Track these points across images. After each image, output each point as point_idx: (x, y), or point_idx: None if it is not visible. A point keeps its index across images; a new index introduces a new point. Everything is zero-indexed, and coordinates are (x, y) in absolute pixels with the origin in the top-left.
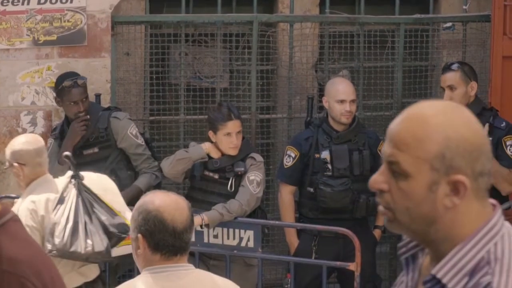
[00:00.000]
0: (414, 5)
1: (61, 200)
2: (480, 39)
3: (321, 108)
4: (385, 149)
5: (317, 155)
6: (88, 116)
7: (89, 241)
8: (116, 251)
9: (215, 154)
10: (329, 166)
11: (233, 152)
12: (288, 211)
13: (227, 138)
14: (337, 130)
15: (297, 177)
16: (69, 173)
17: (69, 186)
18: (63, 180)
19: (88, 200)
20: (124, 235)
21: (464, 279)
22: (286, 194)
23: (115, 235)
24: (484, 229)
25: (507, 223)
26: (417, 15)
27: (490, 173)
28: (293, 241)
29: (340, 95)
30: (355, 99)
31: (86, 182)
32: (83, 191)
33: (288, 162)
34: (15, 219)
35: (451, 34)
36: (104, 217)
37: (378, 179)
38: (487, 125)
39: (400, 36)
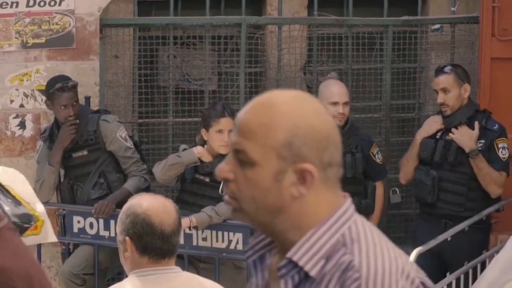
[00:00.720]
0: (402, 7)
1: None
2: (468, 41)
3: None
4: (232, 137)
5: None
6: (78, 121)
7: None
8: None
9: (207, 158)
10: None
11: (224, 150)
12: None
13: (219, 136)
14: None
15: None
16: None
17: None
18: None
19: None
20: (26, 225)
21: (320, 262)
22: None
23: (17, 225)
24: (336, 214)
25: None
26: (406, 17)
27: (340, 163)
28: None
29: (333, 97)
30: (348, 101)
31: None
32: None
33: None
34: (9, 227)
35: (439, 36)
36: (7, 208)
37: (223, 168)
38: (476, 125)
39: (388, 38)
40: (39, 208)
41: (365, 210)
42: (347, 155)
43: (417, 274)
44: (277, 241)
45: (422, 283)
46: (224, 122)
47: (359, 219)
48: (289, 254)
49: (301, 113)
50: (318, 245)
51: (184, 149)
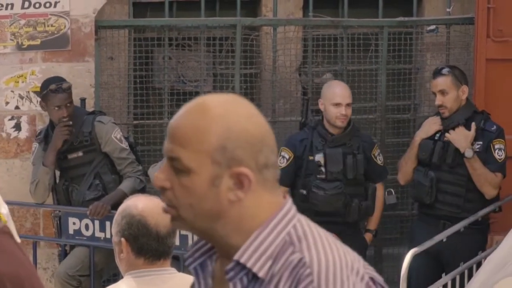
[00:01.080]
0: (398, 8)
1: None
2: (463, 42)
3: (312, 111)
4: (165, 144)
5: (311, 158)
6: (71, 122)
7: None
8: None
9: None
10: (323, 169)
11: None
12: None
13: None
14: (332, 133)
15: (290, 178)
16: None
17: None
18: None
19: None
20: None
21: (268, 262)
22: None
23: None
24: (279, 214)
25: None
26: (401, 18)
27: (276, 165)
28: None
29: (336, 98)
30: (351, 102)
31: None
32: None
33: (281, 163)
34: (4, 231)
35: (434, 36)
36: None
37: (159, 177)
38: (473, 126)
39: (383, 39)
40: (4, 210)
41: (365, 211)
42: (348, 156)
43: (365, 270)
44: (218, 247)
45: (371, 279)
46: None
47: (303, 218)
48: (236, 256)
49: (233, 116)
50: (264, 245)
51: None
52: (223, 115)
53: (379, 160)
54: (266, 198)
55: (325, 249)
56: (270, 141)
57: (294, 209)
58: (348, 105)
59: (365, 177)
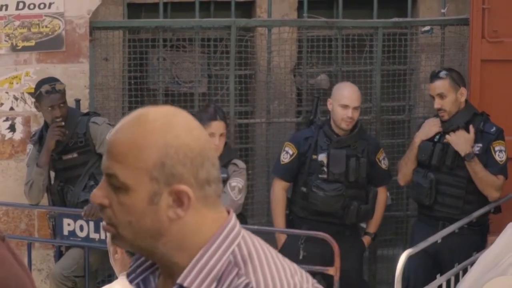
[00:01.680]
0: (392, 9)
1: None
2: (458, 43)
3: (299, 112)
4: (103, 161)
5: (314, 157)
6: (63, 123)
7: None
8: None
9: None
10: (325, 169)
11: None
12: (279, 206)
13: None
14: (338, 134)
15: (292, 174)
16: None
17: None
18: None
19: None
20: None
21: (212, 284)
22: (279, 189)
23: None
24: (223, 233)
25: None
26: (395, 19)
27: (219, 180)
28: (281, 236)
29: (344, 100)
30: (359, 106)
31: None
32: None
33: (285, 158)
34: None
35: (429, 37)
36: None
37: (97, 194)
38: (471, 128)
39: (378, 40)
40: None
41: (363, 215)
42: (352, 158)
43: None
44: (160, 265)
45: None
46: (215, 126)
47: (247, 234)
48: (179, 280)
49: (171, 130)
50: (208, 267)
51: None
52: (161, 130)
53: (384, 164)
54: (208, 214)
55: (272, 272)
56: (211, 154)
57: (238, 225)
58: (355, 108)
59: (368, 180)
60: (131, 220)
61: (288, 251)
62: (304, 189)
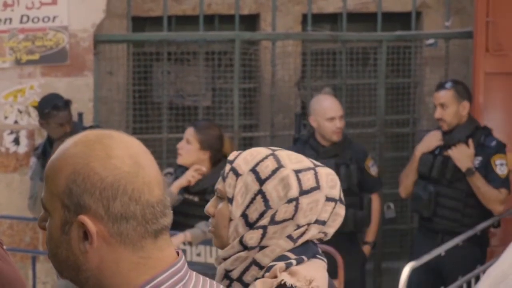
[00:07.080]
0: (396, 22)
1: None
2: (462, 56)
3: (305, 126)
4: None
5: None
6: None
7: None
8: None
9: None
10: None
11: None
12: None
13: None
14: (324, 145)
15: None
16: None
17: None
18: None
19: None
20: None
21: None
22: None
23: None
24: (155, 281)
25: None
26: (399, 32)
27: (146, 219)
28: None
29: (329, 113)
30: (343, 114)
31: None
32: None
33: None
34: None
35: (433, 50)
36: None
37: (40, 217)
38: (471, 143)
39: (382, 53)
40: None
41: (360, 222)
42: (342, 166)
43: None
44: None
45: None
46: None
47: (195, 274)
48: None
49: (83, 157)
50: None
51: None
52: (75, 156)
53: (373, 171)
54: (126, 254)
55: None
56: (132, 188)
57: (182, 272)
58: (341, 117)
59: (359, 188)
60: (51, 247)
61: None
62: None
